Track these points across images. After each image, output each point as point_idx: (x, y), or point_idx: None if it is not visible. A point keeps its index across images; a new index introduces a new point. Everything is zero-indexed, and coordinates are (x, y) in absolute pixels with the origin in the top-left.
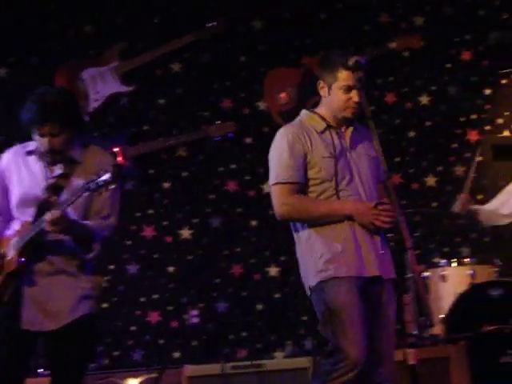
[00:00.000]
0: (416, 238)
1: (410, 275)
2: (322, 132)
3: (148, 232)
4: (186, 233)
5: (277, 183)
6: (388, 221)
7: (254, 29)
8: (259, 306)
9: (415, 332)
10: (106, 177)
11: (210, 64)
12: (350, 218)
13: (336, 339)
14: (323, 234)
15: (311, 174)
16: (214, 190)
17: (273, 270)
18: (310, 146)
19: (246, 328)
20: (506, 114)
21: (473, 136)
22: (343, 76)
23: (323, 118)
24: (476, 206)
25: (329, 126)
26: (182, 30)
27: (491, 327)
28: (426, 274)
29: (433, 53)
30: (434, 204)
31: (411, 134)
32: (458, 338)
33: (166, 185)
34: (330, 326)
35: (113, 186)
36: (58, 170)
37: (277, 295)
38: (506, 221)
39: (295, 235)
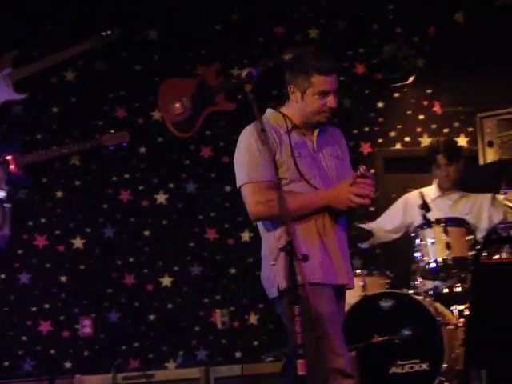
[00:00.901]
0: None
1: (299, 285)
2: (289, 132)
3: (40, 241)
4: (78, 242)
5: (248, 183)
6: (367, 193)
7: (149, 38)
8: (151, 317)
9: None
10: (0, 195)
11: (105, 73)
12: (324, 209)
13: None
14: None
15: (279, 173)
16: (108, 199)
17: (166, 281)
18: (278, 144)
19: (138, 338)
20: (399, 127)
21: (365, 148)
22: (318, 81)
23: (289, 119)
24: (365, 225)
25: (295, 127)
26: (77, 38)
27: (381, 338)
28: None
29: None
30: None
31: None
32: (349, 349)
33: (59, 194)
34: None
35: (8, 206)
36: None
37: (169, 305)
38: (392, 236)
39: (265, 234)
